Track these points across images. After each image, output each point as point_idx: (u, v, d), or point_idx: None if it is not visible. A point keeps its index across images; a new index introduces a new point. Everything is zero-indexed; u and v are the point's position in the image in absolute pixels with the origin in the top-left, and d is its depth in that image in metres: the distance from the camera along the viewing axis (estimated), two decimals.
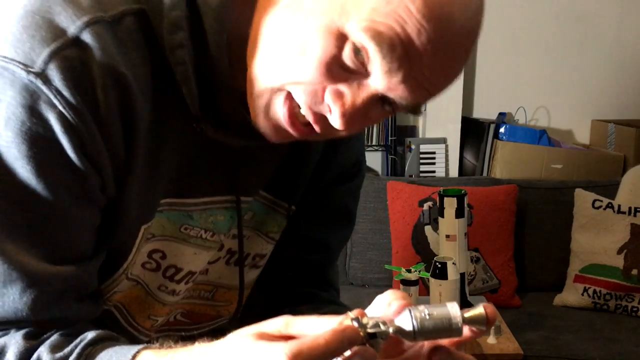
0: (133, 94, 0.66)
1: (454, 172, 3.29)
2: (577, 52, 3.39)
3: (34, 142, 0.63)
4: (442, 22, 0.63)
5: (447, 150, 3.27)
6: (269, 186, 0.88)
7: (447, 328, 0.56)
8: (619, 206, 2.51)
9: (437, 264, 1.90)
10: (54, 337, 0.68)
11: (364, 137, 0.98)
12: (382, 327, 0.56)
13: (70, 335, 0.68)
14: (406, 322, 0.56)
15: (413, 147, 3.22)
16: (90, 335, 0.68)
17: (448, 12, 0.63)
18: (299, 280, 0.98)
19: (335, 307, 0.94)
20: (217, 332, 1.00)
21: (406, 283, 2.00)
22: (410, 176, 3.17)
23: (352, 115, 0.66)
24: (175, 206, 0.79)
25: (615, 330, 2.32)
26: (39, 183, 0.64)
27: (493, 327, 1.99)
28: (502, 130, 3.16)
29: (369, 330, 0.55)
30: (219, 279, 0.91)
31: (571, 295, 2.52)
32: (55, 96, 0.62)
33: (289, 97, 0.68)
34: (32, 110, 0.62)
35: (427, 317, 0.56)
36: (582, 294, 2.49)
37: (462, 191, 2.12)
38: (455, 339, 0.60)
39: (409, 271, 2.00)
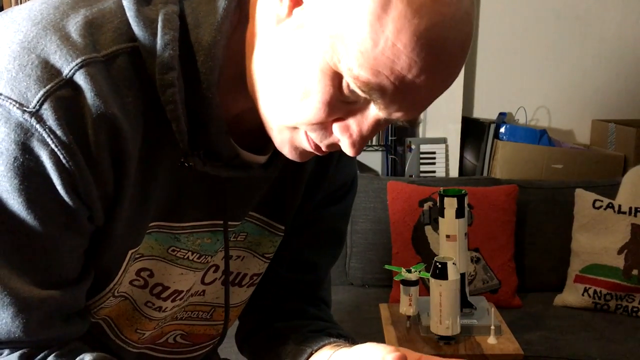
0: (123, 133, 0.68)
1: (454, 172, 3.29)
2: (577, 52, 3.39)
3: (25, 177, 0.65)
4: (434, 47, 0.62)
5: (447, 150, 3.27)
6: (262, 208, 0.89)
7: None
8: (620, 206, 2.51)
9: (437, 264, 1.90)
10: (51, 359, 0.70)
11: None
12: None
13: (64, 355, 0.72)
14: None
15: (413, 147, 3.22)
16: (87, 358, 0.71)
17: (438, 35, 0.62)
18: (288, 297, 0.99)
19: (323, 324, 0.96)
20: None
21: (406, 283, 1.99)
22: (410, 176, 3.16)
23: (361, 143, 0.70)
24: (163, 229, 0.80)
25: (615, 330, 2.32)
26: (29, 215, 0.66)
27: (493, 327, 1.99)
28: (502, 130, 3.16)
29: None
30: (217, 299, 0.93)
31: (571, 295, 2.52)
32: (49, 135, 0.64)
33: (306, 132, 0.71)
34: (25, 146, 0.64)
35: None
36: (583, 294, 2.48)
37: (462, 191, 2.11)
38: None
39: (409, 271, 2.00)
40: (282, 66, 0.68)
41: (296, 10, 0.66)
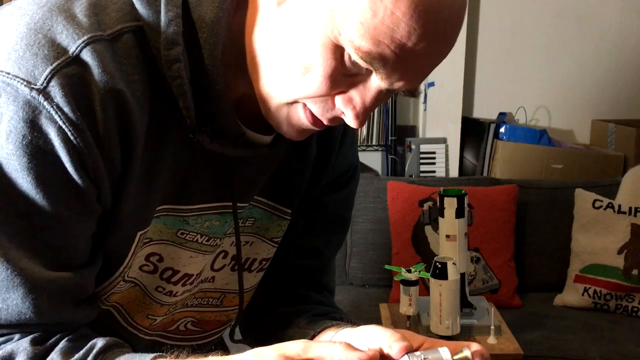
0: (131, 110, 0.68)
1: (454, 172, 3.29)
2: (577, 52, 3.39)
3: (34, 155, 0.65)
4: (431, 14, 0.64)
5: (447, 150, 3.28)
6: (269, 192, 0.90)
7: None
8: (619, 206, 2.51)
9: (437, 264, 1.90)
10: (63, 343, 0.70)
11: (357, 142, 1.02)
12: None
13: (76, 340, 0.71)
14: None
15: (413, 147, 3.22)
16: (100, 342, 0.71)
17: (434, 2, 0.64)
18: (292, 282, 1.00)
19: (325, 308, 0.96)
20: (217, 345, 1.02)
21: (406, 283, 1.99)
22: (410, 176, 3.17)
23: (365, 115, 0.71)
24: (172, 212, 0.80)
25: (615, 330, 2.32)
26: (38, 194, 0.66)
27: (493, 327, 1.99)
28: (502, 130, 3.16)
29: None
30: (226, 285, 0.93)
31: (571, 295, 2.52)
32: (56, 112, 0.64)
33: (305, 106, 0.72)
34: (34, 124, 0.64)
35: None
36: (582, 294, 2.49)
37: (462, 191, 2.11)
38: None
39: (409, 271, 2.00)
40: (283, 43, 0.69)
41: None
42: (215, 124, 0.75)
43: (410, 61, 0.66)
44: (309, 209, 0.95)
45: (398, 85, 0.69)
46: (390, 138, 3.30)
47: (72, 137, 0.65)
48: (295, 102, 0.72)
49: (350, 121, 0.71)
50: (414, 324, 2.08)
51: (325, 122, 0.73)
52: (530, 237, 2.68)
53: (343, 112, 0.71)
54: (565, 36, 3.37)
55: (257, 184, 0.87)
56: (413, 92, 0.72)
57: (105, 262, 0.77)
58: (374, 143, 3.33)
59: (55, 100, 0.64)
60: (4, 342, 0.69)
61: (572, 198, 2.61)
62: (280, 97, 0.72)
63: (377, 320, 2.21)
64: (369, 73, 0.69)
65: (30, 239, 0.68)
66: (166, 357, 0.68)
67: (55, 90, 0.64)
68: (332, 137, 0.92)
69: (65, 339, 0.71)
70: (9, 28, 0.67)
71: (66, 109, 0.64)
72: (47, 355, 0.69)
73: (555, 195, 2.71)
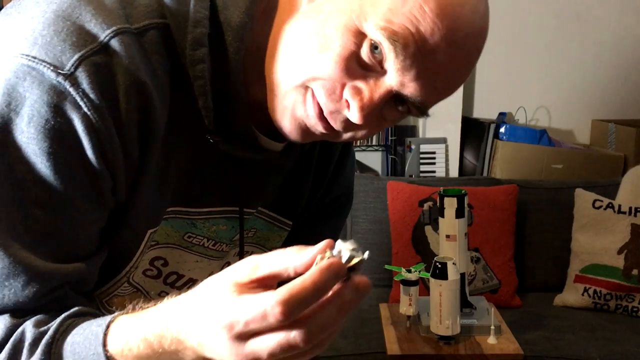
0: (153, 103, 0.69)
1: (454, 172, 3.29)
2: (577, 52, 3.39)
3: (55, 140, 0.65)
4: (455, 21, 0.67)
5: (447, 150, 3.27)
6: (272, 204, 0.91)
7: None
8: (619, 206, 2.51)
9: (437, 264, 1.90)
10: (41, 316, 0.69)
11: (354, 167, 1.03)
12: (358, 256, 0.61)
13: (54, 316, 0.70)
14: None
15: (413, 147, 3.22)
16: (73, 309, 0.70)
17: (460, 12, 0.67)
18: None
19: None
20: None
21: (406, 283, 1.99)
22: (410, 176, 3.16)
23: (369, 110, 0.70)
24: (180, 214, 0.81)
25: (615, 330, 2.32)
26: (56, 180, 0.66)
27: (493, 327, 1.99)
28: (502, 130, 3.16)
29: (351, 263, 0.60)
30: None
31: (571, 295, 2.51)
32: (82, 98, 0.65)
33: (314, 94, 0.72)
34: (58, 109, 0.64)
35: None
36: (583, 294, 2.48)
37: (462, 191, 2.12)
38: None
39: (409, 271, 2.00)
40: (306, 29, 0.70)
41: None
42: (230, 126, 0.76)
43: (428, 61, 0.68)
44: (306, 234, 0.95)
45: (410, 87, 0.69)
46: (390, 138, 3.30)
47: (95, 123, 0.65)
48: (303, 87, 0.71)
49: (354, 113, 0.70)
50: (414, 324, 2.08)
51: (327, 111, 0.72)
52: (530, 237, 2.68)
53: (348, 105, 0.70)
54: (566, 36, 3.37)
55: (265, 192, 0.88)
56: (422, 109, 0.73)
57: (114, 260, 0.77)
58: (374, 143, 3.33)
59: (82, 87, 0.64)
60: None
61: (572, 198, 2.61)
62: (291, 79, 0.72)
63: (377, 320, 2.21)
64: (383, 72, 0.69)
65: (37, 228, 0.68)
66: (128, 312, 0.66)
67: (82, 76, 0.64)
68: (330, 151, 0.94)
69: (45, 312, 0.70)
70: (35, 15, 0.68)
71: (92, 96, 0.65)
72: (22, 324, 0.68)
73: (555, 195, 2.71)
